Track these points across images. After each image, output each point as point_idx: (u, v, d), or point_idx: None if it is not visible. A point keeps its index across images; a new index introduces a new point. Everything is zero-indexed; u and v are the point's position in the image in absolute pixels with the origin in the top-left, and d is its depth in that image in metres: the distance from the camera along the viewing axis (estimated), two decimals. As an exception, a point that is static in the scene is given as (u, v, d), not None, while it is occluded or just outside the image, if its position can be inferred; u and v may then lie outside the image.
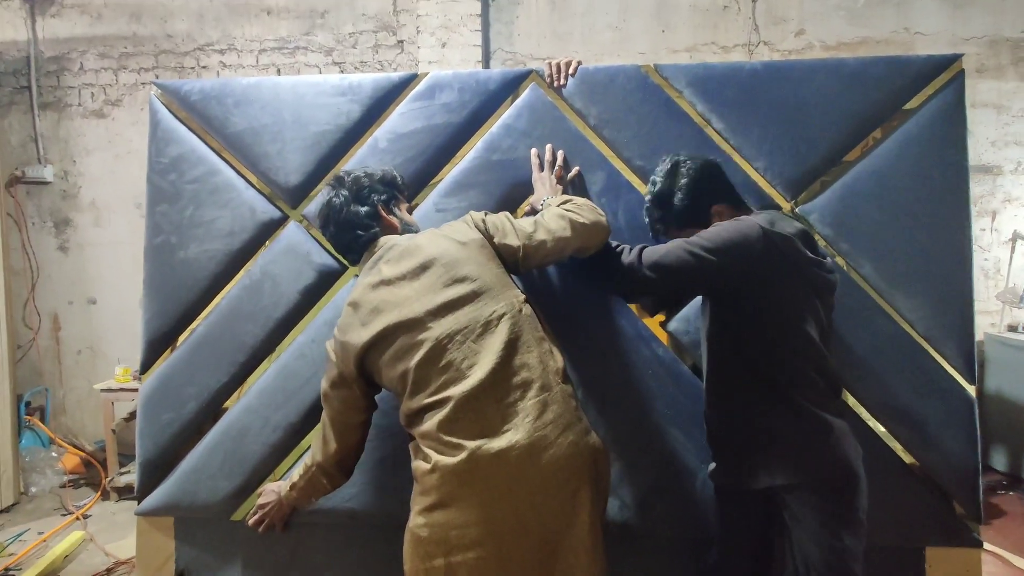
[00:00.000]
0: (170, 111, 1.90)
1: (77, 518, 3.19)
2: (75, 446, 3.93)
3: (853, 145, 1.71)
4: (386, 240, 1.46)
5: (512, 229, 1.43)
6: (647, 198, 1.57)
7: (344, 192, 1.50)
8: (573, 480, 1.27)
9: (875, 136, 1.73)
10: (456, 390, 1.26)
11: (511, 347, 1.29)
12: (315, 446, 1.50)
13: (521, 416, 1.25)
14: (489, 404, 1.26)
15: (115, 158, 4.06)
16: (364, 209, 1.48)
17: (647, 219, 1.59)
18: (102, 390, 3.52)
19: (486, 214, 1.47)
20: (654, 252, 1.40)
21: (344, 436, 1.45)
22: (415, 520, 1.30)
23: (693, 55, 3.83)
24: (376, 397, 1.47)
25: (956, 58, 1.68)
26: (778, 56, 3.79)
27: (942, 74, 1.69)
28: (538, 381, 1.28)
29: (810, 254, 1.36)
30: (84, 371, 4.17)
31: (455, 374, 1.28)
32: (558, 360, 1.35)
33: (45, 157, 4.08)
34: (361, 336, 1.36)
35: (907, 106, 1.70)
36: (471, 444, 1.23)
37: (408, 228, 1.53)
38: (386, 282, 1.38)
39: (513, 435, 1.23)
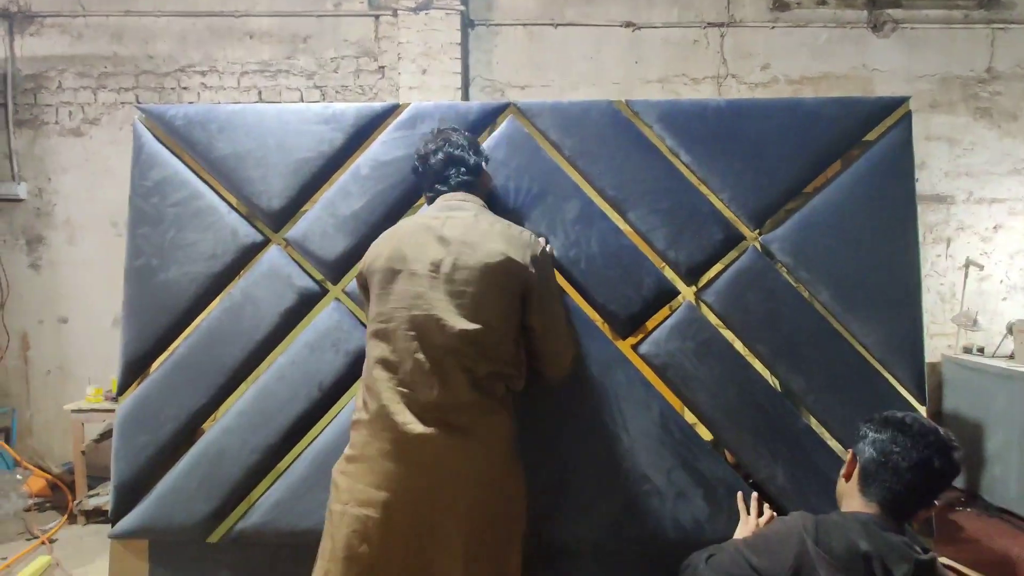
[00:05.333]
0: (154, 135, 1.93)
1: (43, 542, 3.12)
2: (41, 468, 3.84)
3: (811, 178, 1.82)
4: (466, 201, 1.58)
5: (549, 314, 1.56)
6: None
7: (463, 139, 1.66)
8: (471, 490, 1.41)
9: (835, 167, 1.85)
10: (413, 356, 1.42)
11: (469, 365, 1.43)
12: None
13: (456, 413, 1.41)
14: (429, 388, 1.41)
15: (91, 176, 4.05)
16: (475, 159, 1.65)
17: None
18: (72, 411, 3.46)
19: (546, 278, 1.56)
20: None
21: None
22: (338, 465, 1.49)
23: (665, 86, 3.98)
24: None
25: (903, 100, 1.81)
26: (745, 88, 3.96)
27: (892, 113, 1.81)
28: (487, 393, 1.44)
29: None
30: (53, 391, 4.09)
31: (416, 343, 1.42)
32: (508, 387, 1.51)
33: (19, 174, 4.04)
34: (386, 245, 1.52)
35: (867, 137, 1.81)
36: (401, 420, 1.39)
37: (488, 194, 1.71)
38: (436, 233, 1.49)
39: (436, 427, 1.39)
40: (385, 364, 1.44)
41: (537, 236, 1.60)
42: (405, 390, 1.41)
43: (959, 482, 3.60)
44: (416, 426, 1.38)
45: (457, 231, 1.48)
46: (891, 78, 3.90)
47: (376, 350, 1.46)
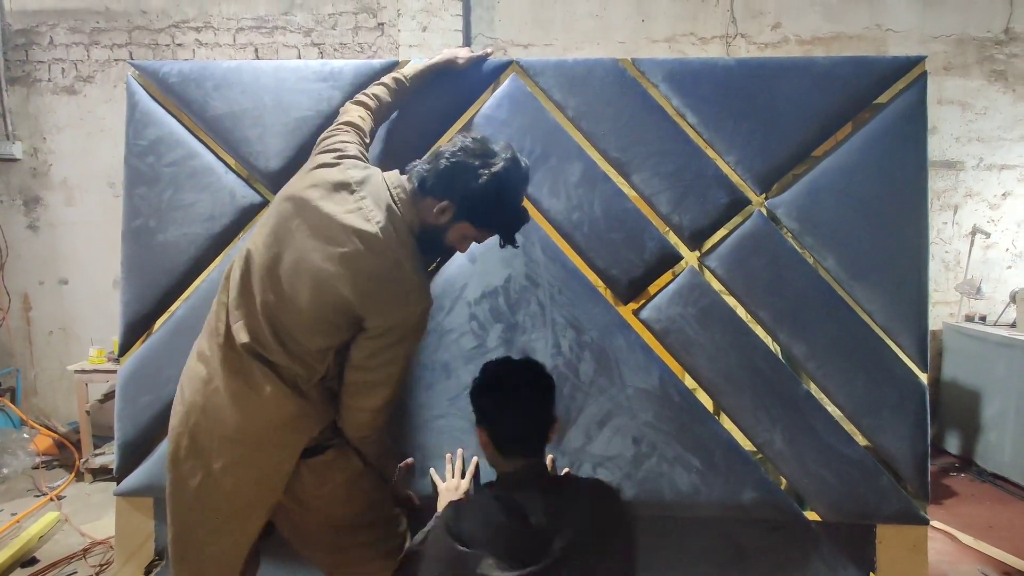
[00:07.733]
0: (148, 92, 1.88)
1: (51, 499, 3.18)
2: (47, 427, 3.89)
3: (821, 141, 1.77)
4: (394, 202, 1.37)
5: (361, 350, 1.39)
6: None
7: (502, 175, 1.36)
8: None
9: (846, 131, 1.80)
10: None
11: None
12: None
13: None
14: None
15: (87, 136, 3.98)
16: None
17: None
18: (76, 371, 3.48)
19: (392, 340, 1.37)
20: None
21: None
22: (196, 348, 1.48)
23: (672, 45, 3.87)
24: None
25: (920, 60, 1.75)
26: (755, 48, 3.86)
27: (907, 74, 1.76)
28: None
29: None
30: (56, 352, 4.12)
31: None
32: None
33: (14, 134, 3.98)
34: (298, 189, 1.41)
35: (878, 100, 1.76)
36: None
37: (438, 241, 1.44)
38: (332, 210, 1.35)
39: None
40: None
41: None
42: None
43: (953, 448, 3.64)
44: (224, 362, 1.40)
45: None
46: (905, 39, 3.79)
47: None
